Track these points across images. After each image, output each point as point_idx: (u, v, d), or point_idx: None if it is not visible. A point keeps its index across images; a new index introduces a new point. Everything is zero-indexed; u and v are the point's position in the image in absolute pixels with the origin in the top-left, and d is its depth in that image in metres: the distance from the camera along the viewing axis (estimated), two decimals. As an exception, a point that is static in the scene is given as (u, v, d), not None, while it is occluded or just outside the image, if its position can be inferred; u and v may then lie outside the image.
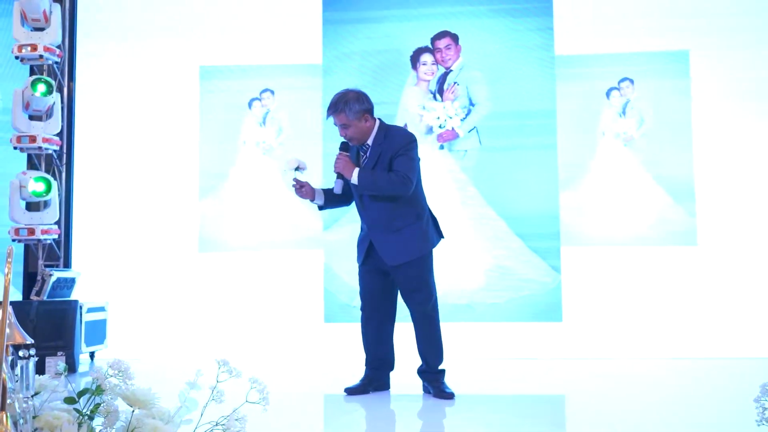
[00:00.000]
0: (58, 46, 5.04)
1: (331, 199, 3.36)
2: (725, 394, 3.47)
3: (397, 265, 3.22)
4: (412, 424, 2.83)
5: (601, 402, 3.25)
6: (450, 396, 3.24)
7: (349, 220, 4.72)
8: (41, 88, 4.77)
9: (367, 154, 3.26)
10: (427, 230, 3.28)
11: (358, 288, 3.45)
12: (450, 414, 2.98)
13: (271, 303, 5.02)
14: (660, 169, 4.93)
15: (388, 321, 3.40)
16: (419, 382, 3.41)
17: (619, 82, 5.03)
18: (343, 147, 3.29)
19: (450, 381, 3.34)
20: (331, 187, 3.33)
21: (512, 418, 2.89)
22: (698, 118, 4.93)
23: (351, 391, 3.35)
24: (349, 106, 3.18)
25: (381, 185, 3.19)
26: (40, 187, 4.77)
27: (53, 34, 4.93)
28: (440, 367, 3.34)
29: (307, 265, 5.04)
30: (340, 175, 3.25)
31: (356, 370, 3.55)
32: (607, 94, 5.03)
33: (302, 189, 3.30)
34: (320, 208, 3.40)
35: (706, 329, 4.74)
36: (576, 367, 4.30)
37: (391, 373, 3.46)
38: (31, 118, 4.90)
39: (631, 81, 5.02)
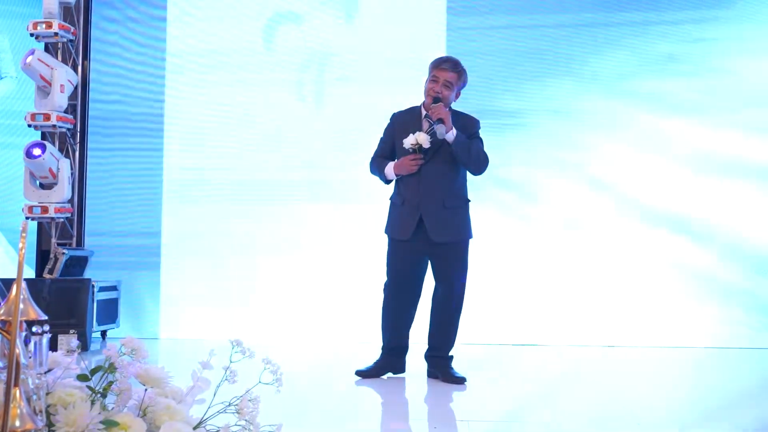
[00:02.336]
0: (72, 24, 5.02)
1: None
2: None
3: (441, 243, 3.19)
4: (439, 408, 2.82)
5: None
6: (461, 380, 3.21)
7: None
8: None
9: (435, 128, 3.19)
10: (469, 217, 3.31)
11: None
12: (471, 397, 2.96)
13: (288, 283, 4.99)
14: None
15: (415, 304, 3.36)
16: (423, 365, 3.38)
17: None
18: (436, 101, 3.19)
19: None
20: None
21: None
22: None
23: (363, 374, 3.32)
24: (464, 75, 3.26)
25: (472, 152, 3.19)
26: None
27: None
28: (450, 353, 3.32)
29: (325, 244, 5.02)
30: (429, 128, 3.17)
31: (367, 352, 3.54)
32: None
33: (417, 167, 3.21)
34: (389, 181, 3.37)
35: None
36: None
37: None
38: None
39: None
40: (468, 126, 3.26)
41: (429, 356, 3.37)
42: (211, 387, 1.53)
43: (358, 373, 3.34)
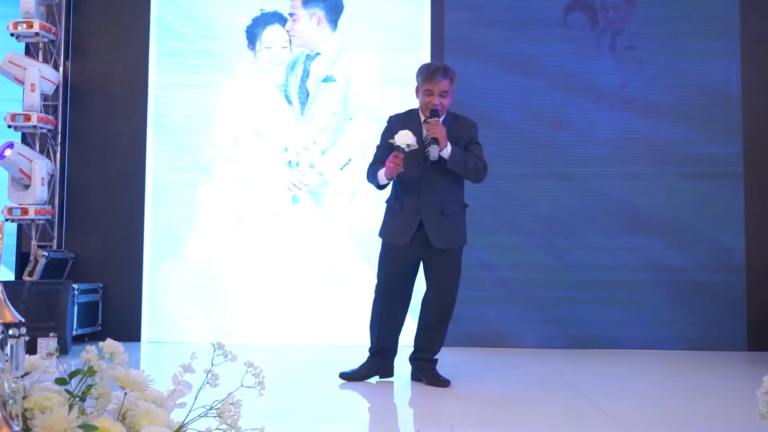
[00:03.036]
0: (54, 25, 4.97)
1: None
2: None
3: (441, 250, 3.19)
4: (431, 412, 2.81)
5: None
6: (446, 383, 3.21)
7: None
8: None
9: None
10: (465, 223, 3.32)
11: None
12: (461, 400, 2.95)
13: (272, 285, 4.97)
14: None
15: (406, 308, 3.35)
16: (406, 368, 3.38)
17: None
18: (434, 115, 3.16)
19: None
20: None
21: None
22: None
23: (348, 377, 3.30)
24: (455, 79, 3.23)
25: (469, 166, 3.18)
26: None
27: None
28: (436, 356, 3.33)
29: (308, 245, 5.00)
30: (427, 144, 3.14)
31: (353, 354, 3.52)
32: None
33: (399, 167, 3.13)
34: (382, 187, 3.31)
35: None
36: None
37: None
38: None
39: None
40: (466, 131, 3.25)
41: (414, 359, 3.34)
42: (192, 390, 1.51)
43: (343, 375, 3.32)
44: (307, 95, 5.00)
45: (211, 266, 4.99)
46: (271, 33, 5.07)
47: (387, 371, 3.36)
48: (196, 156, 5.08)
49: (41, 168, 4.79)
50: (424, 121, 3.18)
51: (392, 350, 3.37)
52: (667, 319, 4.74)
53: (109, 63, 5.16)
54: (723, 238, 4.78)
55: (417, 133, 3.14)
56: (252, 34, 5.09)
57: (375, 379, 3.35)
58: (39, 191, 4.78)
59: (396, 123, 3.29)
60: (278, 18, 5.08)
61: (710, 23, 4.89)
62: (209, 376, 1.48)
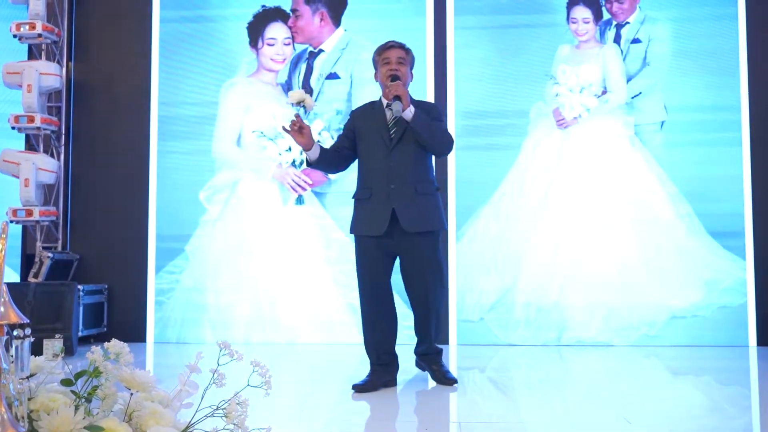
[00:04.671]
0: (50, 22, 4.96)
1: (326, 157, 3.09)
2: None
3: (415, 233, 2.98)
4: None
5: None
6: (452, 382, 3.13)
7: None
8: None
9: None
10: (441, 207, 3.15)
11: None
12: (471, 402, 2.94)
13: (277, 285, 4.95)
14: None
15: (393, 306, 3.14)
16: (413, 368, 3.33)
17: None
18: (395, 80, 3.01)
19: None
20: (326, 148, 3.12)
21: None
22: None
23: (359, 389, 3.05)
24: (412, 53, 3.19)
25: (434, 130, 3.03)
26: None
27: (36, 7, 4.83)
28: (439, 346, 3.21)
29: (312, 247, 4.99)
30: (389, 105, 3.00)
31: (360, 356, 3.50)
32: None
33: (301, 131, 2.95)
34: (309, 164, 3.11)
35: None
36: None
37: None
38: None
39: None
40: (428, 110, 3.11)
41: (418, 352, 3.22)
42: (198, 390, 1.50)
43: (355, 387, 3.07)
44: (311, 93, 4.98)
45: (216, 266, 4.98)
46: (274, 30, 5.05)
47: (389, 382, 3.11)
48: (200, 156, 5.08)
49: (25, 170, 4.77)
50: (387, 100, 3.01)
51: (392, 359, 3.14)
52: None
53: (112, 63, 5.15)
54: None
55: (381, 120, 3.07)
56: (254, 31, 5.08)
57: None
58: (23, 192, 4.77)
59: (358, 115, 3.20)
60: (280, 14, 5.06)
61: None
62: (215, 375, 1.47)
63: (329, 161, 3.16)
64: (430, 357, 3.19)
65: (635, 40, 4.89)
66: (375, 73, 3.22)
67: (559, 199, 4.86)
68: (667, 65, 4.87)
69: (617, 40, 4.91)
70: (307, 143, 2.98)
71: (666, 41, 4.88)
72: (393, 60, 3.09)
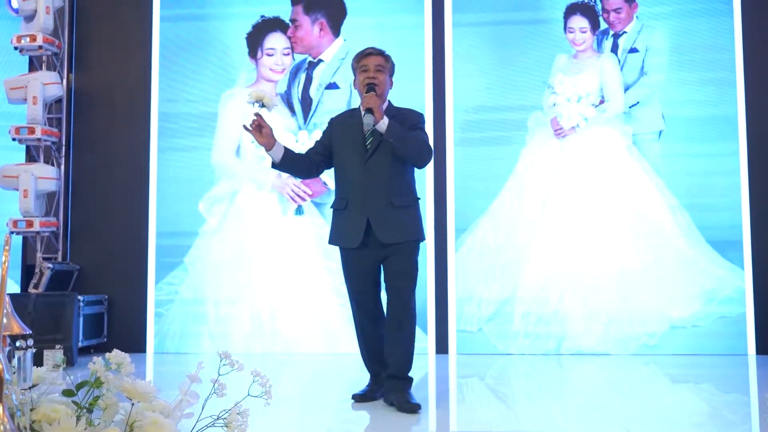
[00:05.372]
0: (53, 35, 5.00)
1: (291, 160, 3.04)
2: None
3: (390, 245, 2.91)
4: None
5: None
6: (416, 408, 2.85)
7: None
8: None
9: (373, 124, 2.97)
10: (420, 217, 3.05)
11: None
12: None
13: (272, 294, 4.97)
14: None
15: (381, 317, 3.07)
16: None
17: None
18: (371, 90, 2.95)
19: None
20: (294, 151, 3.08)
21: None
22: None
23: (359, 398, 3.07)
24: (391, 59, 3.09)
25: (409, 141, 2.91)
26: None
27: (39, 24, 4.92)
28: (409, 374, 2.98)
29: (312, 257, 4.99)
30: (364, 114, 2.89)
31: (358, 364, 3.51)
32: None
33: (261, 130, 2.91)
34: (274, 165, 3.04)
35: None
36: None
37: None
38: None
39: None
40: (408, 118, 3.02)
41: (387, 377, 2.97)
42: (199, 400, 1.51)
43: (355, 397, 3.11)
44: (310, 103, 5.00)
45: (216, 277, 4.99)
46: (273, 40, 5.07)
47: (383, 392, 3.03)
48: (199, 166, 5.09)
49: (24, 181, 4.80)
50: (363, 106, 2.91)
51: (382, 366, 3.04)
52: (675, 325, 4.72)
53: (112, 74, 5.17)
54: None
55: (358, 130, 2.99)
56: (253, 42, 5.11)
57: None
58: (22, 203, 4.79)
59: (336, 123, 3.14)
60: (280, 24, 5.09)
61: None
62: (216, 385, 1.48)
63: (296, 165, 3.11)
64: (398, 383, 2.94)
65: (632, 50, 4.93)
66: (354, 80, 3.17)
67: (558, 209, 4.88)
68: (665, 75, 4.90)
69: (614, 49, 4.94)
70: (268, 142, 2.94)
71: (663, 51, 4.91)
72: (371, 68, 3.00)
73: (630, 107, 4.89)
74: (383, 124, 2.86)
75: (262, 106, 2.91)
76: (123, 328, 4.92)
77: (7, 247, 1.28)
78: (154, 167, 5.11)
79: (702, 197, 4.81)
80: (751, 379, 3.89)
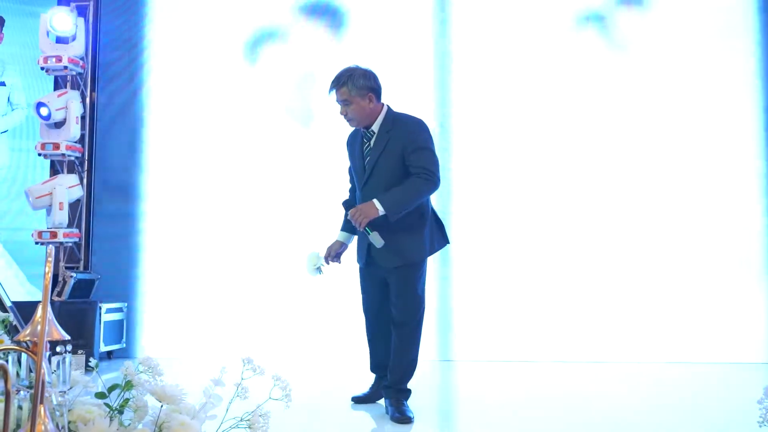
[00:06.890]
0: (81, 58, 5.18)
1: (352, 230, 3.14)
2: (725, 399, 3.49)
3: (392, 268, 2.95)
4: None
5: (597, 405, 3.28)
6: (407, 420, 2.85)
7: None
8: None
9: (371, 142, 2.95)
10: (425, 234, 2.98)
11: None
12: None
13: (294, 301, 5.03)
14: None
15: (387, 330, 3.12)
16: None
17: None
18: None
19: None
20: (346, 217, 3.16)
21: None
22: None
23: (358, 400, 3.22)
24: (353, 80, 2.88)
25: (407, 198, 2.85)
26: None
27: (78, 48, 5.09)
28: (407, 386, 3.02)
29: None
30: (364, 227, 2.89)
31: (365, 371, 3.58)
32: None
33: (338, 259, 3.16)
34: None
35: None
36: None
37: None
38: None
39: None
40: (402, 139, 2.89)
41: (385, 386, 3.06)
42: (223, 403, 1.61)
43: (354, 399, 3.25)
44: (311, 112, 5.07)
45: (231, 283, 5.08)
46: (272, 49, 5.09)
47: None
48: (216, 180, 5.19)
49: (59, 194, 4.95)
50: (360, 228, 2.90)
51: (384, 370, 3.12)
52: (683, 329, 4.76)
53: (133, 92, 5.31)
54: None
55: (359, 150, 3.00)
56: (252, 51, 5.14)
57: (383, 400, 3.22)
58: (57, 215, 4.94)
59: (348, 143, 3.16)
60: (279, 33, 5.09)
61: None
62: (239, 389, 1.58)
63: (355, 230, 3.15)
64: (393, 393, 3.00)
65: (640, 53, 4.94)
66: None
67: (558, 216, 4.91)
68: (675, 78, 4.89)
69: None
70: (344, 246, 3.17)
71: (675, 51, 4.89)
72: (339, 105, 2.95)
73: (636, 111, 4.93)
74: (381, 211, 2.83)
75: (319, 270, 3.12)
76: (140, 334, 5.06)
77: (49, 259, 1.39)
78: (172, 180, 5.22)
79: (713, 202, 4.80)
80: (760, 387, 3.90)
